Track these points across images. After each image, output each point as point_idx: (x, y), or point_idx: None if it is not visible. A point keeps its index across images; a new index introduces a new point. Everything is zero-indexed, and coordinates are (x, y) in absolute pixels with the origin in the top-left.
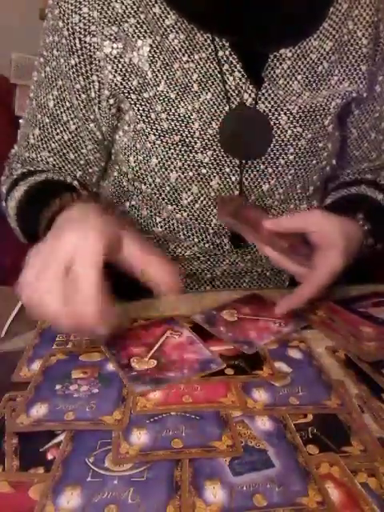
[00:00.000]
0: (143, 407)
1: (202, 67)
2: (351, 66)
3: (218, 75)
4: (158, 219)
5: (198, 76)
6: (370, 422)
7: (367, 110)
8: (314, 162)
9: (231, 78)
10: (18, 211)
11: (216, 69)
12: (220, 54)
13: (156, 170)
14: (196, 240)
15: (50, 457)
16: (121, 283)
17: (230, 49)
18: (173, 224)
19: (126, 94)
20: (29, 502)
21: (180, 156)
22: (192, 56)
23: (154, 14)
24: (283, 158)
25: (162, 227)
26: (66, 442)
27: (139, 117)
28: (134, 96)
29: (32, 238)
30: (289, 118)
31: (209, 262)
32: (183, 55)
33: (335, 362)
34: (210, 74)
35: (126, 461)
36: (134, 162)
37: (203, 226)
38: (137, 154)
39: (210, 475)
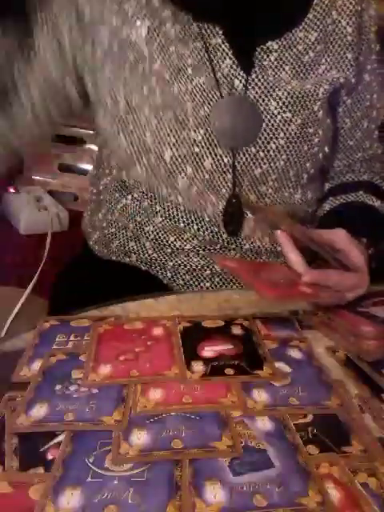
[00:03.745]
0: (143, 407)
1: (196, 54)
2: (337, 55)
3: (211, 62)
4: (158, 208)
5: (192, 61)
6: (370, 422)
7: (358, 99)
8: (306, 147)
9: (224, 65)
10: None
11: (209, 57)
12: (213, 42)
13: (152, 148)
14: (195, 228)
15: (50, 457)
16: (121, 283)
17: (222, 37)
18: (172, 212)
19: (122, 64)
20: (29, 502)
21: (173, 132)
22: (187, 44)
23: (153, 4)
24: (274, 143)
25: (162, 216)
26: (66, 443)
27: (134, 87)
28: (128, 68)
29: None
30: (278, 104)
31: (208, 258)
32: (179, 42)
33: (335, 362)
34: (204, 62)
35: (126, 461)
36: (125, 140)
37: (200, 213)
38: (130, 134)
39: (210, 475)
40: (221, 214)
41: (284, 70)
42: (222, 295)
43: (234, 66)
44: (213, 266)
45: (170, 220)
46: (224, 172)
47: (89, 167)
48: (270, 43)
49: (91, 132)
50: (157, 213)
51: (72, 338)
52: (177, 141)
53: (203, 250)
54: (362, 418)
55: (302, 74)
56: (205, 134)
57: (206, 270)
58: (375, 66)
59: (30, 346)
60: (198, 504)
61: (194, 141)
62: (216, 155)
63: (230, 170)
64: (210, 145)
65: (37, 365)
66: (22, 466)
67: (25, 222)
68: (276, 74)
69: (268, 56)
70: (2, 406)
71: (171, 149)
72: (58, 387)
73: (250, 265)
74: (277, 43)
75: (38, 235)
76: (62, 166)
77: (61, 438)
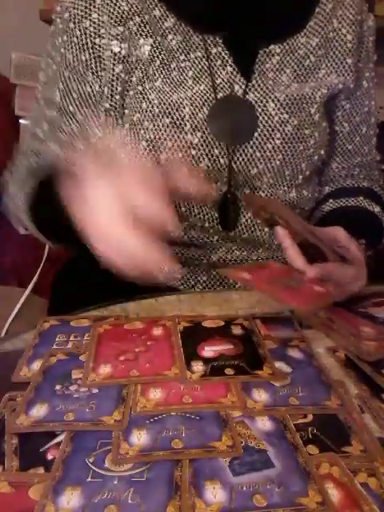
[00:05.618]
0: (143, 407)
1: (197, 65)
2: (337, 60)
3: (211, 70)
4: None
5: (193, 73)
6: (370, 422)
7: (357, 104)
8: (301, 147)
9: (224, 72)
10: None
11: (209, 65)
12: (214, 51)
13: (145, 154)
14: (195, 212)
15: (49, 457)
16: (121, 283)
17: (222, 45)
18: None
19: (128, 88)
20: (29, 502)
21: (170, 136)
22: (188, 55)
23: (155, 16)
24: (271, 143)
25: None
26: (66, 442)
27: (135, 108)
28: (132, 92)
29: (42, 225)
30: (276, 105)
31: (205, 248)
32: (180, 55)
33: (335, 362)
34: (205, 71)
35: (126, 461)
36: (123, 154)
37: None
38: (126, 145)
39: (210, 475)
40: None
41: (285, 72)
42: (222, 295)
43: (234, 73)
44: (209, 256)
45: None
46: (220, 171)
47: None
48: (272, 47)
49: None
50: None
51: (72, 338)
52: (173, 145)
53: (199, 242)
54: (362, 418)
55: (302, 77)
56: (201, 137)
57: (202, 260)
58: (373, 74)
59: (30, 346)
60: (198, 504)
61: (191, 143)
62: (212, 156)
63: (226, 170)
64: (207, 146)
65: (37, 365)
66: (22, 466)
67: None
68: (276, 76)
69: (270, 59)
70: (1, 406)
71: (167, 153)
72: (57, 387)
73: (257, 272)
74: (279, 47)
75: None
76: None
77: (61, 437)
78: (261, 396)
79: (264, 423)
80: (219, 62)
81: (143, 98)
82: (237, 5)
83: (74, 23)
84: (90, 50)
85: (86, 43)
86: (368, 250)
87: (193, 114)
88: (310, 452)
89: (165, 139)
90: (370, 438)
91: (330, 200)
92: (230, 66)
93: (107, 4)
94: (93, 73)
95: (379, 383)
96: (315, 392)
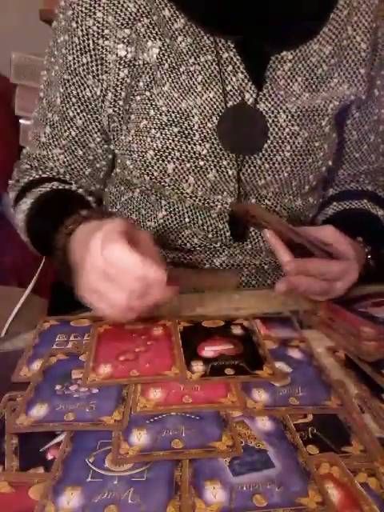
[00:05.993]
0: (143, 407)
1: (207, 69)
2: (350, 69)
3: (221, 76)
4: (164, 202)
5: (203, 78)
6: (370, 422)
7: (367, 112)
8: (310, 160)
9: (235, 79)
10: (28, 226)
11: (220, 70)
12: (225, 55)
13: (153, 163)
14: (200, 223)
15: (49, 457)
16: None
17: (234, 50)
18: (177, 206)
19: (134, 93)
20: (29, 502)
21: (178, 146)
22: (198, 58)
23: (164, 16)
24: (280, 155)
25: (166, 210)
26: (66, 443)
27: (142, 114)
28: (139, 97)
29: (43, 250)
30: (287, 117)
31: (207, 253)
32: (190, 58)
33: (335, 362)
34: (215, 76)
35: (126, 461)
36: (130, 161)
37: (206, 210)
38: (133, 152)
39: (210, 475)
40: (226, 213)
41: (297, 80)
42: (223, 295)
43: (246, 81)
44: (212, 260)
45: (175, 214)
46: (227, 182)
47: None
48: (284, 53)
49: None
50: (162, 207)
51: (72, 338)
52: (181, 155)
53: (201, 248)
54: (362, 418)
55: (314, 86)
56: (210, 148)
57: (205, 264)
58: None
59: (30, 346)
60: (198, 504)
61: (200, 154)
62: (221, 167)
63: (234, 180)
64: (216, 157)
65: (37, 365)
66: (22, 466)
67: None
68: (288, 85)
69: (282, 66)
70: (1, 406)
71: (174, 163)
72: (57, 387)
73: None
74: (291, 54)
75: None
76: None
77: (61, 438)
78: (261, 396)
79: (264, 423)
80: (230, 67)
81: (151, 104)
82: (248, 7)
83: (77, 23)
84: (92, 52)
85: (88, 45)
86: (366, 245)
87: (202, 123)
88: (310, 452)
89: (173, 149)
90: (369, 438)
91: (334, 203)
92: (242, 72)
93: (113, 4)
94: (93, 76)
95: (379, 383)
96: (315, 392)
